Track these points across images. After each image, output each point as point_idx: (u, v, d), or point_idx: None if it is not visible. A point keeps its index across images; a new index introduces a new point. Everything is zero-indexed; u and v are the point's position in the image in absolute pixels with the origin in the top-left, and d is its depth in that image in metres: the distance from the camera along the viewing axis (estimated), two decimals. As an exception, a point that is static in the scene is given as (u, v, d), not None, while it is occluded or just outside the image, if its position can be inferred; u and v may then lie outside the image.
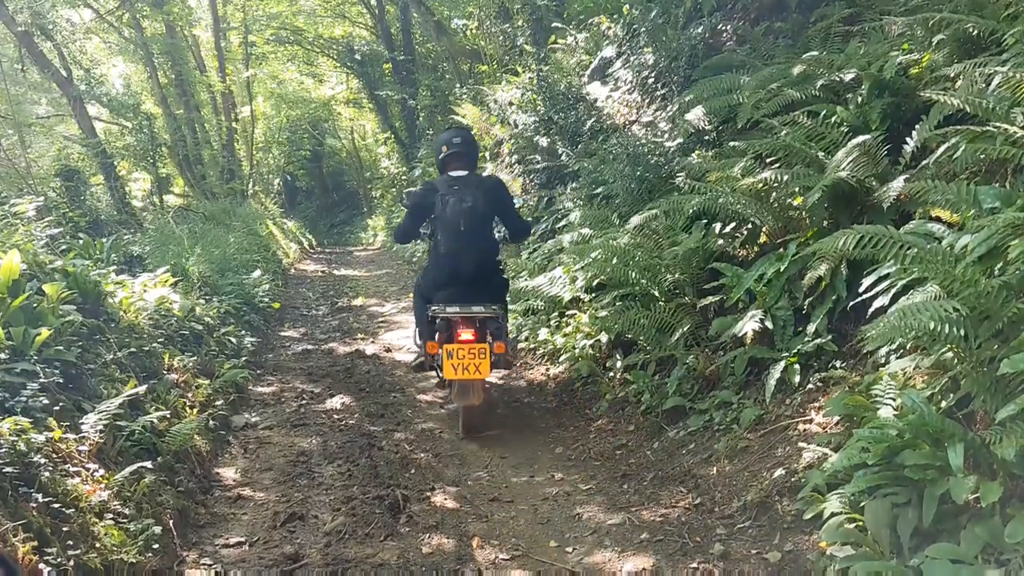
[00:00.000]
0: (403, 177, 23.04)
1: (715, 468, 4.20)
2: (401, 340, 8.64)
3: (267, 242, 15.39)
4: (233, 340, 7.43)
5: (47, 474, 3.17)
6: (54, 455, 3.36)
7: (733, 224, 5.46)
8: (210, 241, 10.66)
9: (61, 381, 3.95)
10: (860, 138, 4.35)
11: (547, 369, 6.71)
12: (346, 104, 30.09)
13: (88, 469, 3.51)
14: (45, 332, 4.00)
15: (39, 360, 3.90)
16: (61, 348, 4.12)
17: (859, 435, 3.07)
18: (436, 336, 5.37)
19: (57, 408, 3.67)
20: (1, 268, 4.18)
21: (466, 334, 5.26)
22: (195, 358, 6.01)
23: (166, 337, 5.92)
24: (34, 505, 2.97)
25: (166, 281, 7.18)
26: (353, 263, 18.67)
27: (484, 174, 7.28)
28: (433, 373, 6.07)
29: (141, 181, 20.43)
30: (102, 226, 12.54)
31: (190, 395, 5.43)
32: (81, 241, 8.15)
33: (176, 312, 6.56)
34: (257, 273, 10.26)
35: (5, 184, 11.48)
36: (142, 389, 4.48)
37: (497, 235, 5.79)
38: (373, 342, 8.66)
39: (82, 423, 3.73)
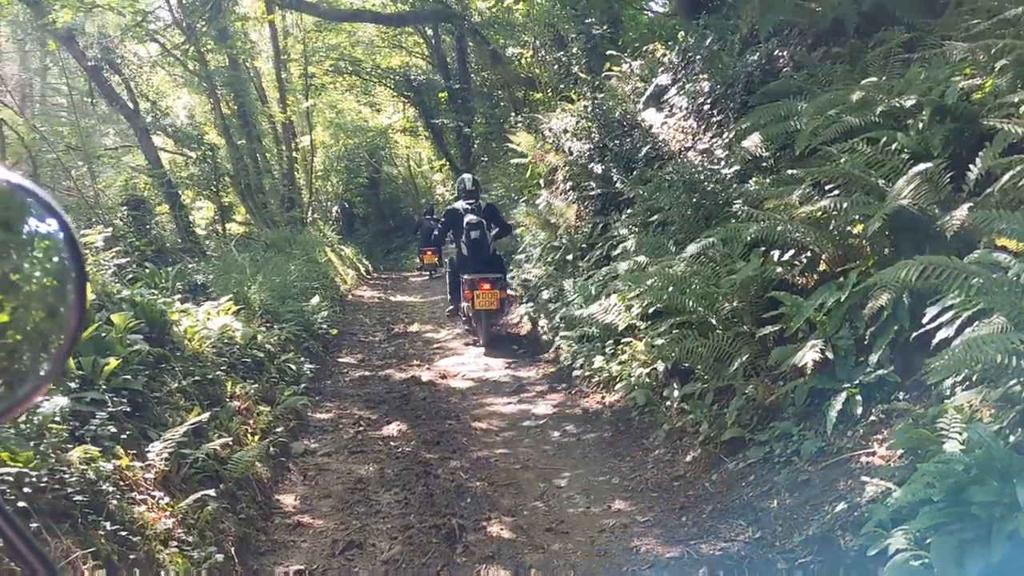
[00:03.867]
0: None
1: (775, 501, 4.13)
2: (456, 367, 8.69)
3: (325, 269, 15.62)
4: (293, 367, 7.54)
5: (115, 502, 3.25)
6: (121, 483, 3.45)
7: (792, 252, 5.40)
8: (271, 269, 10.86)
9: (128, 409, 4.06)
10: (922, 165, 4.28)
11: (603, 397, 6.68)
12: (402, 132, 30.51)
13: (154, 497, 3.59)
14: (113, 362, 4.12)
15: (108, 389, 4.02)
16: (128, 377, 4.24)
17: (924, 469, 2.99)
18: (471, 290, 9.27)
19: (124, 436, 3.77)
20: (73, 299, 4.32)
21: (486, 284, 9.17)
22: (256, 385, 6.12)
23: (229, 364, 6.04)
24: (102, 533, 3.05)
25: (229, 309, 7.33)
26: (408, 289, 18.82)
27: (482, 203, 10.29)
28: (462, 323, 10.56)
29: (204, 209, 20.94)
30: (167, 254, 12.91)
31: (251, 422, 5.53)
32: (147, 270, 8.39)
33: (238, 340, 6.69)
34: (316, 300, 10.42)
35: (74, 214, 11.86)
36: (205, 417, 4.57)
37: (492, 235, 9.76)
38: (428, 369, 8.71)
39: (148, 451, 3.83)
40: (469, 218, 9.60)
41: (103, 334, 4.45)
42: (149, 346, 4.82)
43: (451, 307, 10.71)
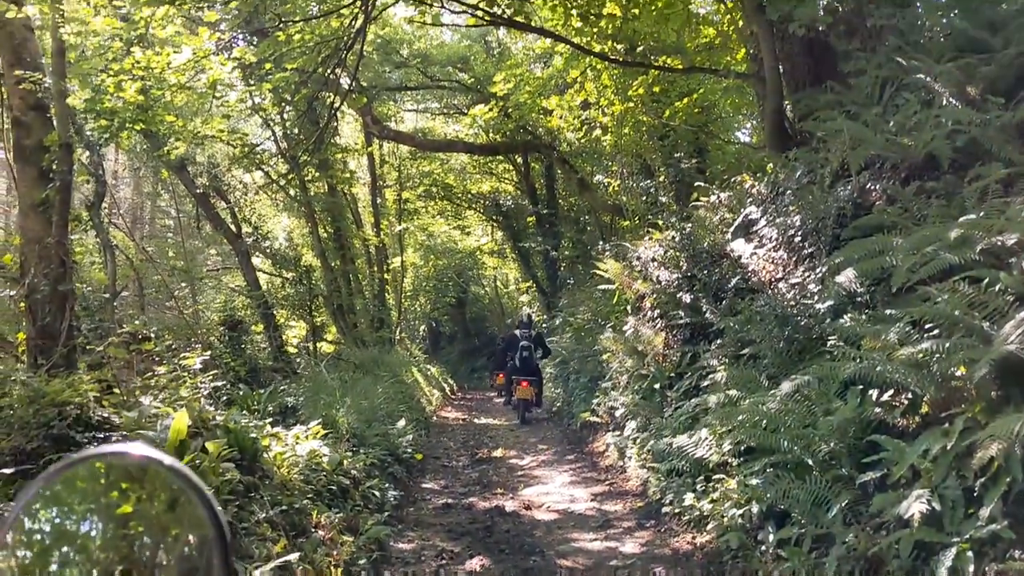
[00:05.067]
0: (543, 325, 23.42)
1: (882, 665, 3.86)
2: (541, 497, 8.54)
3: (412, 389, 15.80)
4: (377, 493, 7.54)
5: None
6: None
7: (891, 392, 5.21)
8: (359, 391, 11.02)
9: (218, 541, 4.09)
10: (1029, 309, 4.13)
11: (694, 537, 6.43)
12: (490, 254, 31.17)
13: (238, 634, 3.57)
14: (207, 492, 4.18)
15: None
16: (219, 508, 4.28)
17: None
18: (515, 386, 14.66)
19: (213, 569, 3.78)
20: (171, 429, 4.45)
21: (524, 383, 14.35)
22: (341, 514, 6.12)
23: (315, 492, 6.08)
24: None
25: (317, 433, 7.44)
26: (493, 411, 18.81)
27: (531, 332, 15.71)
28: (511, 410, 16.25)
29: (296, 328, 21.55)
30: (259, 373, 13.24)
31: (335, 553, 5.49)
32: (241, 392, 8.61)
33: (325, 466, 6.76)
34: (402, 423, 10.49)
35: (174, 335, 12.34)
36: (293, 557, 4.56)
37: (537, 355, 14.93)
38: (512, 498, 8.58)
39: (235, 585, 3.83)
40: (523, 343, 15.17)
41: (198, 462, 4.55)
42: (240, 474, 4.90)
43: (505, 397, 17.27)
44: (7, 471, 3.95)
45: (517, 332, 15.61)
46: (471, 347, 34.08)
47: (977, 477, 4.13)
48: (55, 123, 6.99)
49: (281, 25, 10.80)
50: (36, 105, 7.01)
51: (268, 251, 19.51)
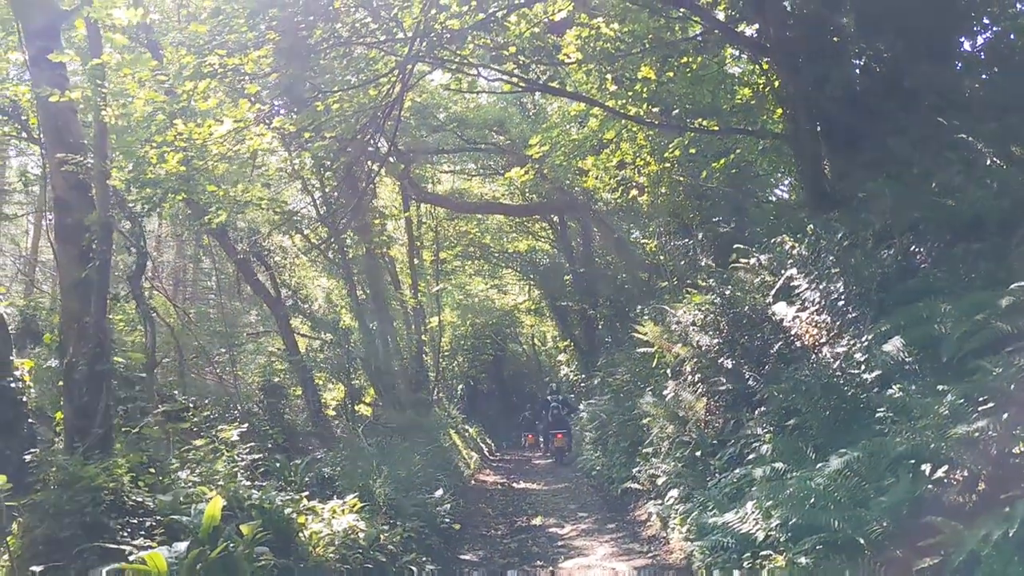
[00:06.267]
0: (582, 384, 23.21)
1: None
2: (582, 571, 8.31)
3: (450, 453, 15.67)
4: (414, 568, 7.39)
5: None
6: None
7: (944, 467, 5.00)
8: (397, 459, 10.91)
9: (250, 634, 4.00)
10: (1091, 387, 3.95)
11: (741, 618, 6.19)
12: (527, 312, 31.10)
13: None
14: (239, 582, 4.10)
15: (231, 611, 3.98)
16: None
17: None
18: (550, 437, 22.34)
19: (244, 665, 3.69)
20: (205, 515, 4.39)
21: (559, 435, 21.04)
22: (377, 596, 6.00)
23: (350, 572, 5.96)
24: None
25: (354, 507, 7.34)
26: (531, 473, 18.60)
27: (560, 396, 22.27)
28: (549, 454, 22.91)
29: (335, 391, 21.53)
30: (297, 439, 13.19)
31: (371, 637, 5.37)
32: (278, 463, 8.55)
33: (362, 542, 6.65)
34: (439, 493, 10.35)
35: (213, 402, 12.33)
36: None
37: (565, 412, 21.27)
38: (552, 572, 8.37)
39: None
40: (554, 404, 21.42)
41: (232, 547, 4.47)
42: (275, 557, 4.82)
43: (544, 447, 23.68)
44: (37, 568, 3.91)
45: (549, 398, 22.36)
46: (509, 405, 33.88)
47: (1042, 565, 3.92)
48: (95, 202, 7.09)
49: (320, 95, 10.96)
50: (77, 185, 7.13)
51: (307, 313, 19.60)
